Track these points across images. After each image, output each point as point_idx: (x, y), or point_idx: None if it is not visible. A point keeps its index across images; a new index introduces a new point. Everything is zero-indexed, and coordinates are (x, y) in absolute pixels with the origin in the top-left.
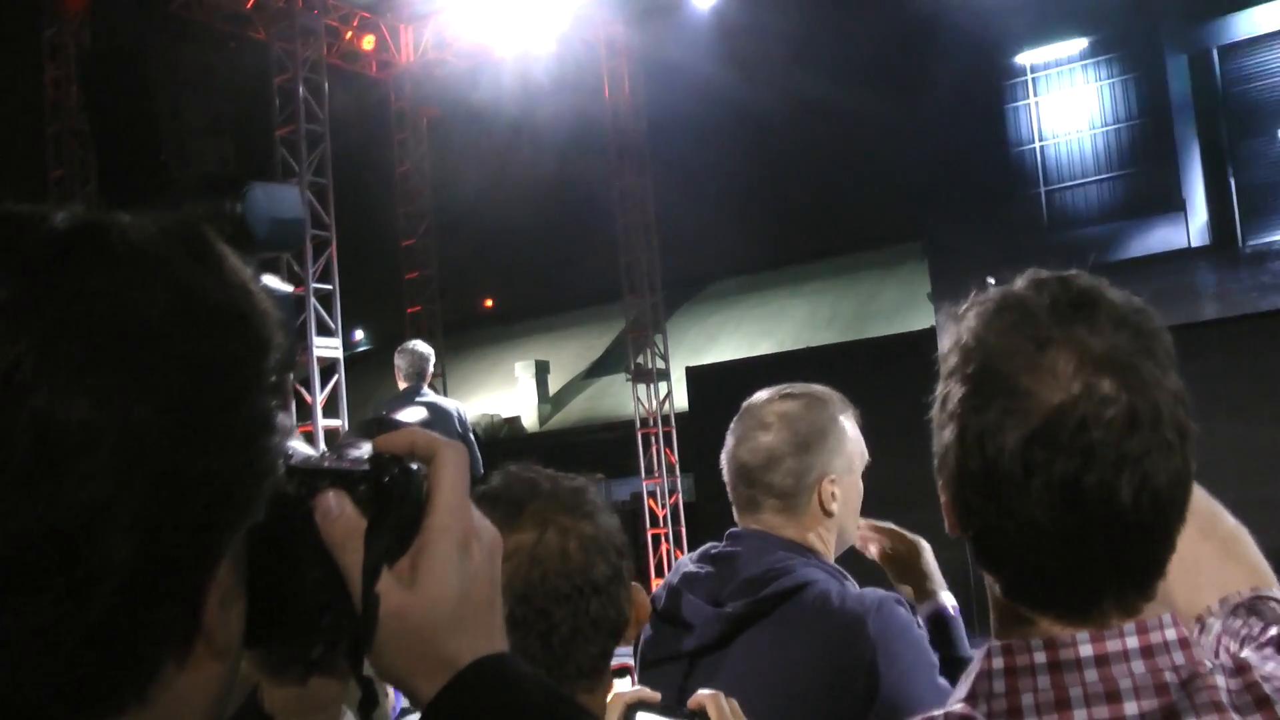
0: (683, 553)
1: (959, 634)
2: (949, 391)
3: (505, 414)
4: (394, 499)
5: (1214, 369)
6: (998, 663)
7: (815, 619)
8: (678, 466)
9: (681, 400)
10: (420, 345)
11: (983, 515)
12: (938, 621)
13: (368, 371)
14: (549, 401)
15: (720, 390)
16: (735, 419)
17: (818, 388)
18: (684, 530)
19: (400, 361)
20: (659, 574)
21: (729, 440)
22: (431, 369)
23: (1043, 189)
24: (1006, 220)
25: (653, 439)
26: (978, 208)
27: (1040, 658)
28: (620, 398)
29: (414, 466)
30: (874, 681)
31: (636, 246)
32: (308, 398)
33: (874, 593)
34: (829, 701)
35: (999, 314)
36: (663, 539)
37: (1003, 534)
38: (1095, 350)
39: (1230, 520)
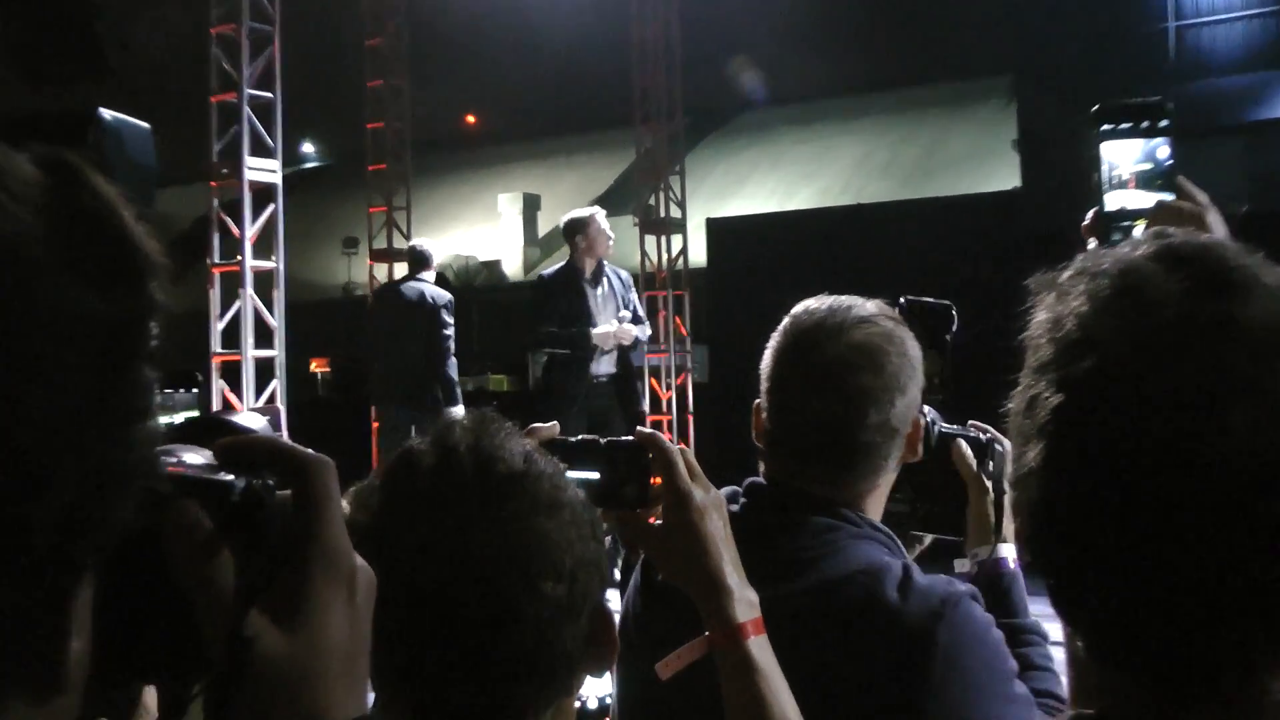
0: (689, 448)
1: (1020, 597)
2: (1038, 393)
3: (483, 256)
4: (264, 520)
5: None
6: None
7: (866, 620)
8: (689, 339)
9: (698, 256)
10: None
11: (1077, 558)
12: (992, 581)
13: (315, 192)
14: (537, 244)
15: (746, 248)
16: (785, 349)
17: (870, 304)
18: (691, 420)
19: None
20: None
21: (787, 381)
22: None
23: (1171, 24)
24: (1122, 59)
25: (660, 303)
26: (1087, 40)
27: None
28: (625, 247)
29: (272, 482)
30: (935, 705)
31: (655, 66)
32: (235, 230)
33: (942, 584)
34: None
35: (1116, 299)
36: (664, 428)
37: (1101, 584)
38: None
39: None
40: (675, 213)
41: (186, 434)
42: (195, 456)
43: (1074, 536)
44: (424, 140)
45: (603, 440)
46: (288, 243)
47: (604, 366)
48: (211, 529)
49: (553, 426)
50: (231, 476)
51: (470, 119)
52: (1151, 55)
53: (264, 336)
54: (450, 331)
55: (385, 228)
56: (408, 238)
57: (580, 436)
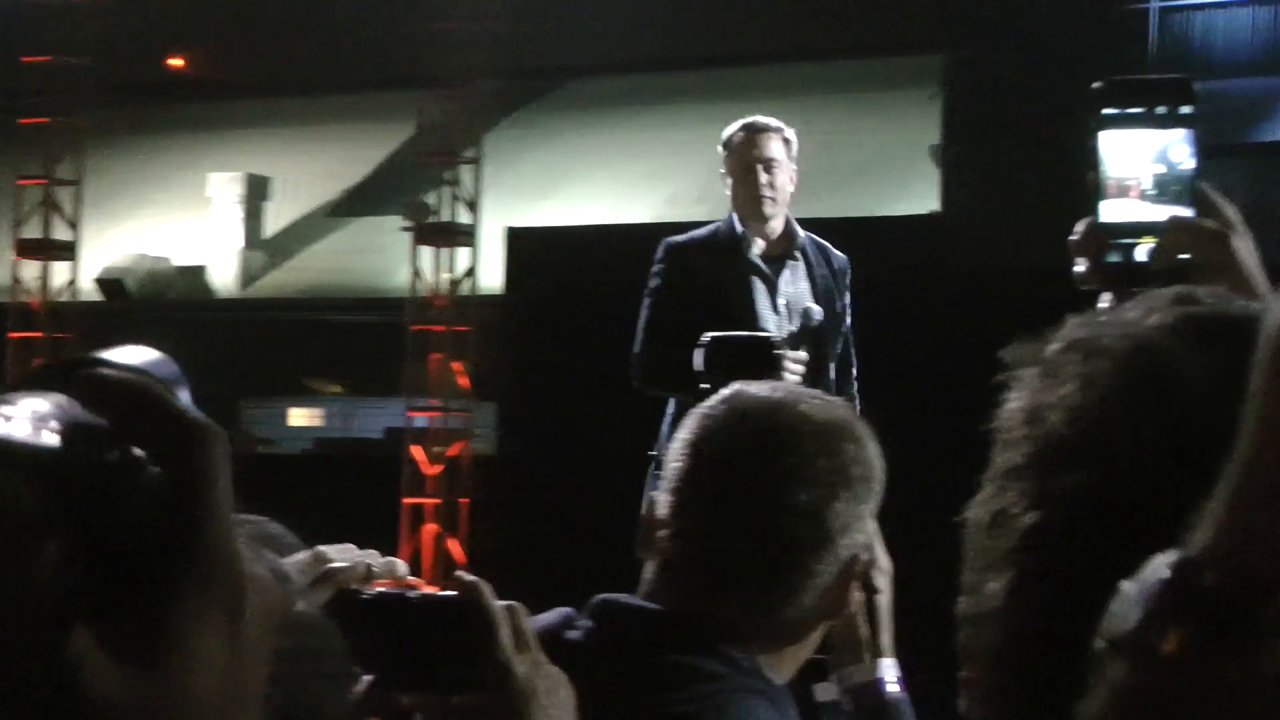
0: (461, 548)
1: None
2: (1005, 507)
3: (181, 260)
4: (123, 504)
5: None
6: None
7: None
8: (472, 390)
9: (493, 279)
10: None
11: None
12: (872, 713)
13: None
14: (262, 246)
15: (560, 271)
16: (710, 424)
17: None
18: (466, 506)
19: None
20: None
21: (702, 457)
22: None
23: (1154, 3)
24: (1089, 43)
25: (433, 339)
26: (1046, 14)
27: None
28: (389, 258)
29: (138, 453)
30: None
31: (456, 3)
32: None
33: None
34: None
35: (1125, 391)
36: (428, 515)
37: None
38: None
39: None
40: (465, 216)
41: (42, 379)
42: (34, 406)
43: (1044, 700)
44: (110, 85)
45: (413, 594)
46: None
47: None
48: (35, 509)
49: (355, 566)
50: (58, 444)
51: (175, 60)
52: (1128, 37)
53: None
54: None
55: (41, 209)
56: (73, 225)
57: (380, 589)
